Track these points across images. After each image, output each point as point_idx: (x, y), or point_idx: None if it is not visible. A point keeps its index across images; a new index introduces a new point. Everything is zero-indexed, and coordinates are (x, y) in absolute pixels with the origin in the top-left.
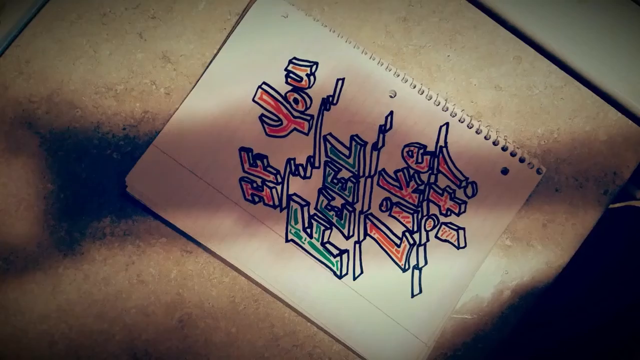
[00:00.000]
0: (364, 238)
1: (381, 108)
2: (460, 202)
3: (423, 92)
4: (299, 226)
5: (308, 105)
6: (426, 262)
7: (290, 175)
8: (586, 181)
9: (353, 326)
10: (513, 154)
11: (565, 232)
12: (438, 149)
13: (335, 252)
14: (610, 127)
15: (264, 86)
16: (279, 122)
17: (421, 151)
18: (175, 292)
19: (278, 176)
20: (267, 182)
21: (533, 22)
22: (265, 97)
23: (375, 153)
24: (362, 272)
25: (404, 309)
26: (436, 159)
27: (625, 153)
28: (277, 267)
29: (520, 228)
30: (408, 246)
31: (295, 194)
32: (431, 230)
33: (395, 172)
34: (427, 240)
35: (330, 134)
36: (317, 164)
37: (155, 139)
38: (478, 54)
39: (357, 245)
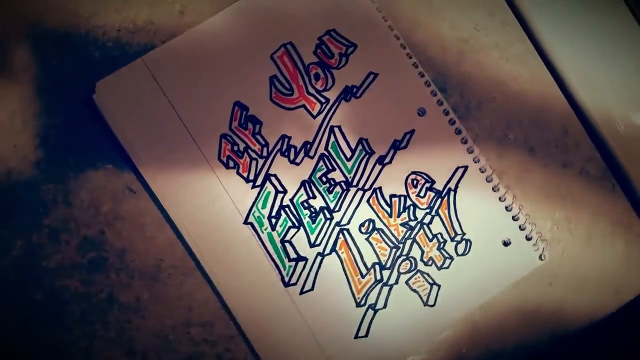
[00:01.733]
0: (330, 253)
1: (404, 122)
2: (446, 256)
3: (454, 123)
4: (265, 212)
5: (328, 87)
6: (385, 306)
7: (278, 154)
8: (585, 286)
9: (277, 344)
10: (522, 228)
11: (543, 331)
12: (446, 190)
13: (293, 255)
14: (630, 242)
15: (288, 46)
16: (290, 92)
17: (427, 185)
18: (99, 229)
19: (265, 149)
20: (250, 150)
21: (593, 99)
22: (285, 58)
23: (378, 167)
24: (312, 288)
25: (341, 347)
26: (440, 200)
27: (635, 273)
28: (221, 244)
29: (497, 307)
30: (373, 280)
31: (275, 176)
32: (404, 273)
33: (391, 196)
34: (396, 282)
35: (339, 127)
36: (312, 154)
37: (147, 53)
38: (524, 108)
39: (319, 258)
